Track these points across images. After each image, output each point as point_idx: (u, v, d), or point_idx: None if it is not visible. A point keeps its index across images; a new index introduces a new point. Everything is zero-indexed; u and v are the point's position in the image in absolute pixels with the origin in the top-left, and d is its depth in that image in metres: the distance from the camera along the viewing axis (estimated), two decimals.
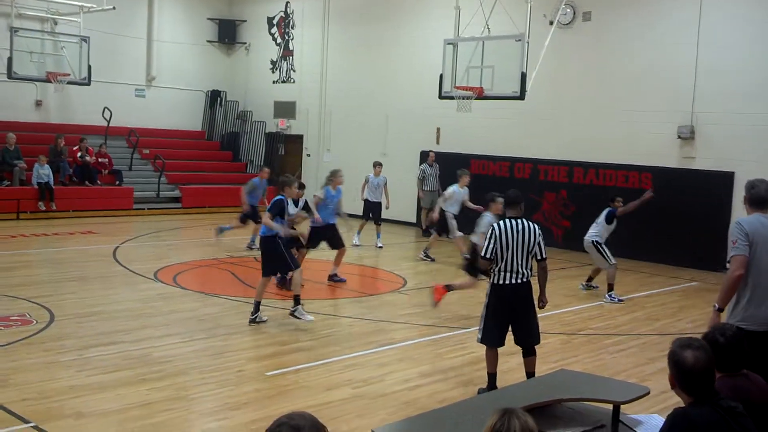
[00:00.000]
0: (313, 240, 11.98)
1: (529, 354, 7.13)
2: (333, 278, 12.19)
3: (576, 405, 5.41)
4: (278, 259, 9.30)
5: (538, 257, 7.00)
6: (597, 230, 11.85)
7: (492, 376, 7.12)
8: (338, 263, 12.20)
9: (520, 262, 6.91)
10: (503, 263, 6.92)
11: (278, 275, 10.78)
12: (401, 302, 11.13)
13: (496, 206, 9.84)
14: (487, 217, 10.07)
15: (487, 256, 6.93)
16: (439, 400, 6.81)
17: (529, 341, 7.09)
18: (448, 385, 7.33)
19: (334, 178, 12.27)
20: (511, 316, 6.99)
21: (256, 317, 9.27)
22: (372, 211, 16.07)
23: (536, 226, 7.04)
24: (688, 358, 3.61)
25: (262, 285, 9.40)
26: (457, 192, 14.04)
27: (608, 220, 11.85)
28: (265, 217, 9.33)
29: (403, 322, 9.94)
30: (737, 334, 4.27)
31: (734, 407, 3.62)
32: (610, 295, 11.68)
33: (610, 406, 5.27)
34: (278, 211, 9.27)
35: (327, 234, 12.03)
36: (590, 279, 12.46)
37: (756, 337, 5.39)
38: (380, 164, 16.23)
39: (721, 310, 5.69)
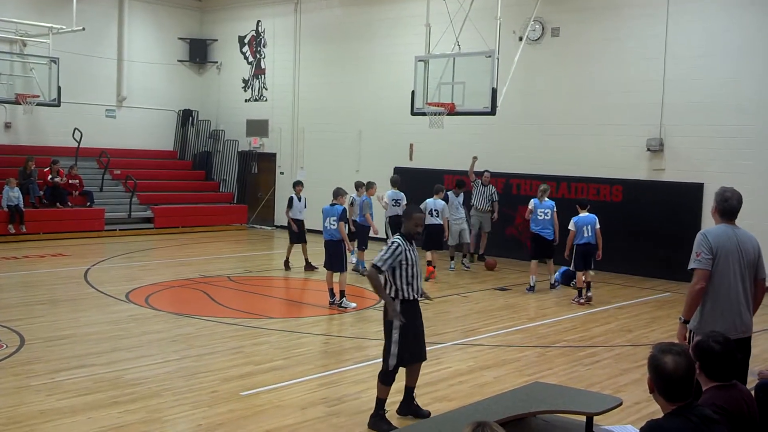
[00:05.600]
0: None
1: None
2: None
3: (550, 417, 5.43)
4: None
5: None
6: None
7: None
8: None
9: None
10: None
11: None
12: (376, 318, 11.10)
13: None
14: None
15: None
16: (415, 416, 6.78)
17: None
18: (423, 401, 7.29)
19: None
20: None
21: None
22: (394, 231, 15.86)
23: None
24: (668, 363, 3.56)
25: None
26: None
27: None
28: None
29: (378, 338, 9.88)
30: (730, 342, 4.22)
31: (708, 416, 3.60)
32: None
33: (584, 418, 5.30)
34: None
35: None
36: None
37: None
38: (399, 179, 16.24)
39: (686, 322, 5.76)
